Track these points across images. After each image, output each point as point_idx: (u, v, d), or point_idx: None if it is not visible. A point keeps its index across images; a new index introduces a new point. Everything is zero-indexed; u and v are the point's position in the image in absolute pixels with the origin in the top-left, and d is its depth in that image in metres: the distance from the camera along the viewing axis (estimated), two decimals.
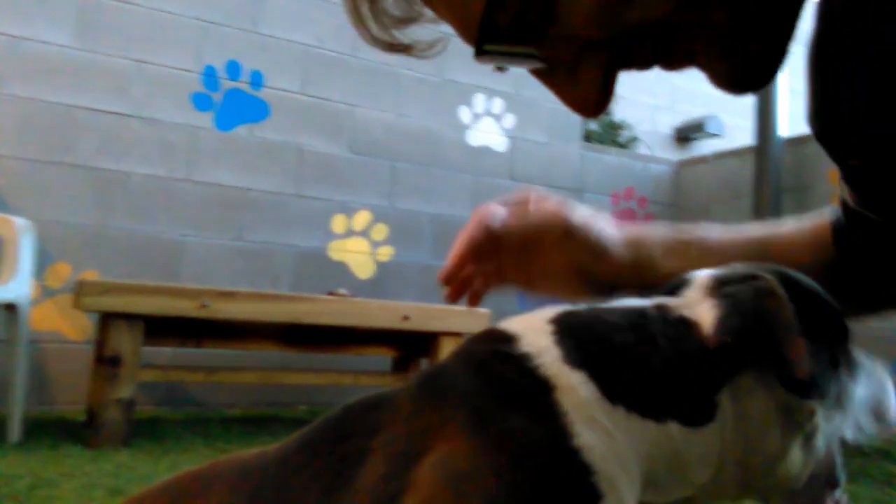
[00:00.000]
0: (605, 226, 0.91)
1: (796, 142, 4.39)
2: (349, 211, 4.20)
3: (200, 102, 3.87)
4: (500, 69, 0.57)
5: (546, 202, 0.91)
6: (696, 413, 0.60)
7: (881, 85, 0.64)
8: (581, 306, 0.66)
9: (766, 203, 4.33)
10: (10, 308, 2.70)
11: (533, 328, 0.63)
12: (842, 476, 0.69)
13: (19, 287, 2.73)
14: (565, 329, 0.62)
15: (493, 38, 0.52)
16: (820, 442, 0.65)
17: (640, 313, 0.63)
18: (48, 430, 2.93)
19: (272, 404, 3.86)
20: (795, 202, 4.33)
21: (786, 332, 0.60)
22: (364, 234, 4.23)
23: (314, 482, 0.59)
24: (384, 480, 0.54)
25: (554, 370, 0.58)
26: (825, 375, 0.64)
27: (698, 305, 0.63)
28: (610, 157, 5.15)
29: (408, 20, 0.56)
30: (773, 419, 0.62)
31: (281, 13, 4.09)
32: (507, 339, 0.62)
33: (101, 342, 2.87)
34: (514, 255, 0.96)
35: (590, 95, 0.54)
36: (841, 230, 0.82)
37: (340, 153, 4.21)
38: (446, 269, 0.94)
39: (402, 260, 4.30)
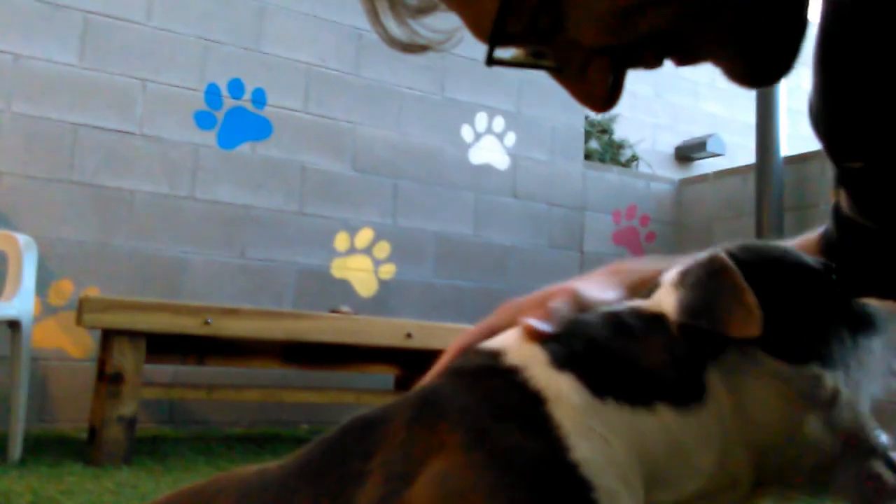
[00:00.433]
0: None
1: (797, 160, 4.40)
2: (352, 229, 4.20)
3: (203, 121, 3.89)
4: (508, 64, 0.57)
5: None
6: (684, 393, 0.60)
7: (892, 82, 0.64)
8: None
9: (769, 221, 4.33)
10: (13, 325, 2.69)
11: (516, 338, 0.64)
12: (882, 442, 0.66)
13: (22, 304, 2.72)
14: (552, 341, 0.63)
15: (504, 42, 0.53)
16: (844, 409, 0.63)
17: (615, 314, 0.65)
18: (49, 448, 2.91)
19: (274, 422, 3.84)
20: (798, 221, 4.34)
21: (732, 297, 0.60)
22: (367, 251, 4.23)
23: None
24: (382, 502, 0.54)
25: (543, 380, 0.59)
26: (821, 339, 0.63)
27: (667, 300, 0.65)
28: (612, 176, 5.16)
29: (424, 10, 0.57)
30: (772, 392, 0.61)
31: (283, 32, 4.11)
32: (495, 353, 0.62)
33: (103, 359, 2.87)
34: None
35: (599, 93, 0.55)
36: (830, 242, 0.82)
37: (343, 171, 4.22)
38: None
39: (405, 278, 4.30)
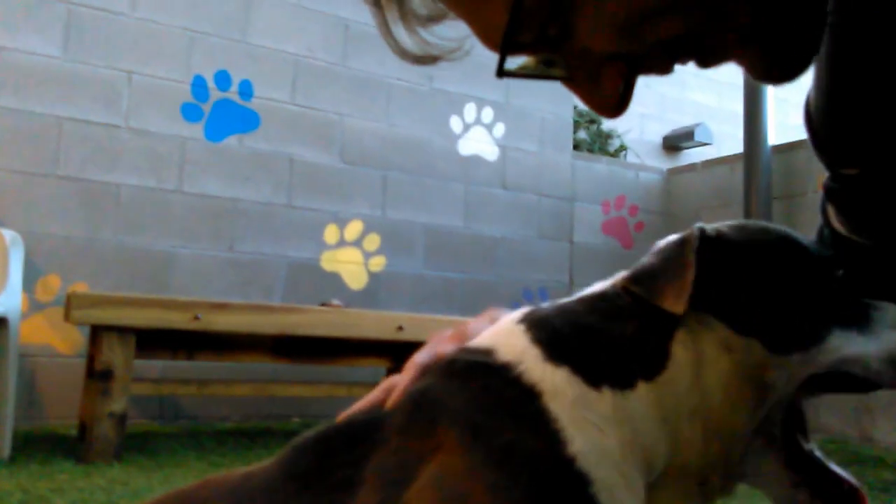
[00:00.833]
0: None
1: (785, 149, 4.41)
2: (341, 221, 4.19)
3: (190, 113, 3.86)
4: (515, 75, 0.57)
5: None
6: (653, 364, 0.61)
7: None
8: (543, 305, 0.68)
9: (757, 210, 4.35)
10: (1, 322, 2.67)
11: (505, 333, 0.63)
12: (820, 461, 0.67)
13: (9, 300, 2.70)
14: (536, 325, 0.63)
15: (514, 52, 0.53)
16: (778, 384, 0.63)
17: (602, 294, 0.66)
18: (39, 446, 2.90)
19: (265, 417, 3.83)
20: (786, 209, 4.35)
21: (674, 270, 0.61)
22: (356, 244, 4.21)
23: None
24: None
25: (538, 374, 0.59)
26: (781, 320, 0.63)
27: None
28: (600, 166, 5.17)
29: (435, 18, 0.56)
30: (722, 361, 0.62)
31: (270, 23, 4.08)
32: (486, 351, 0.62)
33: (92, 356, 2.85)
34: None
35: (610, 99, 0.55)
36: None
37: (332, 163, 4.20)
38: None
39: (395, 270, 4.29)
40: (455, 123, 4.56)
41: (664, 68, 0.55)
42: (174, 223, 3.77)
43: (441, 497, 0.53)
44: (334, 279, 4.13)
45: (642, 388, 0.60)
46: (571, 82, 0.55)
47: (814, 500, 0.64)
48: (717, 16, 0.50)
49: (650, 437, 0.59)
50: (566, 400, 0.57)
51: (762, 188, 4.42)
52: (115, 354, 2.76)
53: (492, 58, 0.52)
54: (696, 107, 6.65)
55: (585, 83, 0.55)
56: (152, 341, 2.96)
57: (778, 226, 0.71)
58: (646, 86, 6.40)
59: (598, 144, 5.94)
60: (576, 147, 5.31)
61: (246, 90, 4.00)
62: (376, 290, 4.22)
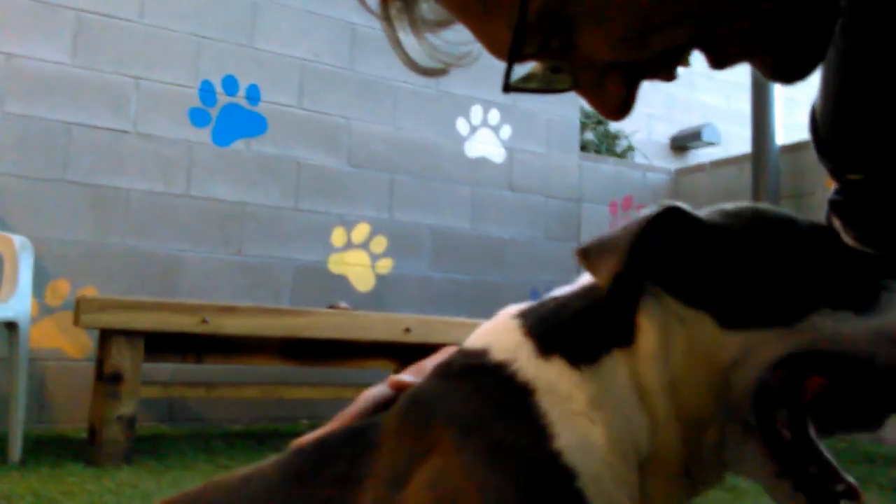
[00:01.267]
0: None
1: (793, 149, 4.40)
2: (348, 224, 4.20)
3: (198, 118, 3.87)
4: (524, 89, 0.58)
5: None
6: (623, 336, 0.61)
7: None
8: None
9: None
10: (11, 326, 2.69)
11: (500, 331, 0.64)
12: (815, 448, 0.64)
13: (19, 305, 2.72)
14: (530, 320, 0.64)
15: (519, 61, 0.54)
16: (737, 363, 0.60)
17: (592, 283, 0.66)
18: (49, 449, 2.91)
19: (274, 419, 3.84)
20: (794, 209, 4.32)
21: (615, 244, 0.61)
22: (363, 246, 4.22)
23: None
24: None
25: (531, 371, 0.60)
26: (739, 296, 0.61)
27: None
28: (607, 167, 5.16)
29: (444, 23, 0.58)
30: (678, 333, 0.61)
31: (276, 28, 4.10)
32: (480, 352, 0.63)
33: (101, 359, 2.86)
34: None
35: (615, 103, 0.56)
36: None
37: (338, 166, 4.21)
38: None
39: (402, 272, 4.29)
40: (462, 126, 4.57)
41: (668, 75, 0.56)
42: (182, 227, 3.78)
43: (435, 497, 0.54)
44: (342, 282, 4.14)
45: (618, 357, 0.60)
46: (577, 88, 0.56)
47: (795, 493, 0.62)
48: (717, 25, 0.51)
49: (631, 417, 0.59)
50: (559, 395, 0.58)
51: (770, 188, 4.40)
52: (124, 358, 2.77)
53: (498, 63, 0.53)
54: (704, 107, 6.63)
55: (591, 88, 0.56)
56: (161, 344, 2.98)
57: (772, 209, 0.69)
58: (653, 87, 6.37)
59: (606, 145, 5.93)
60: (583, 148, 5.30)
61: (253, 94, 4.01)
62: (383, 293, 4.23)
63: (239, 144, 3.97)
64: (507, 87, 0.54)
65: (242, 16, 4.02)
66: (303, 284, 4.03)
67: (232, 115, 3.96)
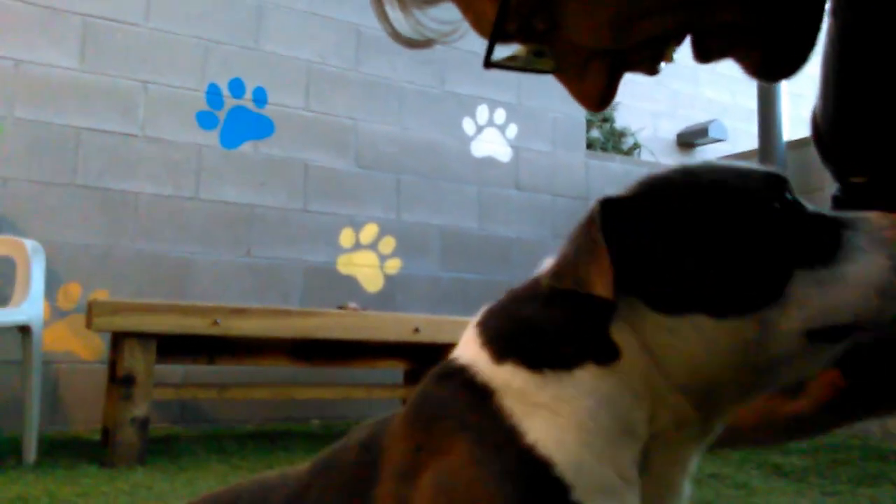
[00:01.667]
0: None
1: (800, 144, 4.39)
2: (356, 225, 4.21)
3: (205, 121, 3.89)
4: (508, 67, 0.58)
5: None
6: (603, 352, 0.60)
7: None
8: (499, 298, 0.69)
9: None
10: (24, 330, 2.71)
11: (466, 339, 0.67)
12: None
13: (32, 308, 2.74)
14: (486, 329, 0.65)
15: (503, 41, 0.54)
16: (751, 347, 0.57)
17: (534, 284, 0.66)
18: (64, 451, 2.93)
19: (285, 419, 3.86)
20: None
21: (590, 255, 0.59)
22: (372, 247, 4.24)
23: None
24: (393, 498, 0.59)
25: (488, 374, 0.61)
26: (712, 285, 0.57)
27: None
28: (614, 165, 5.17)
29: (431, 1, 0.57)
30: (673, 341, 0.58)
31: (282, 30, 4.12)
32: (453, 357, 0.66)
33: (114, 362, 2.88)
34: None
35: (595, 92, 0.56)
36: None
37: (346, 167, 4.22)
38: None
39: (410, 272, 4.31)
40: (468, 125, 4.58)
41: (651, 68, 0.55)
42: (192, 230, 3.80)
43: (434, 494, 0.57)
44: (351, 282, 4.16)
45: (595, 371, 0.59)
46: (559, 73, 0.56)
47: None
48: (702, 15, 0.51)
49: (621, 403, 0.59)
50: (515, 392, 0.59)
51: None
52: (137, 360, 2.79)
53: (483, 38, 0.54)
54: (710, 103, 6.63)
55: (573, 75, 0.56)
56: (173, 347, 3.00)
57: (700, 164, 0.64)
58: (658, 83, 6.38)
59: (612, 143, 5.93)
60: (589, 146, 5.31)
61: (260, 97, 4.03)
62: (392, 293, 4.24)
63: (247, 147, 3.99)
64: (488, 63, 0.54)
65: (248, 18, 4.04)
66: (312, 285, 4.05)
67: (239, 118, 3.97)
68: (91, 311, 2.76)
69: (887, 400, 0.66)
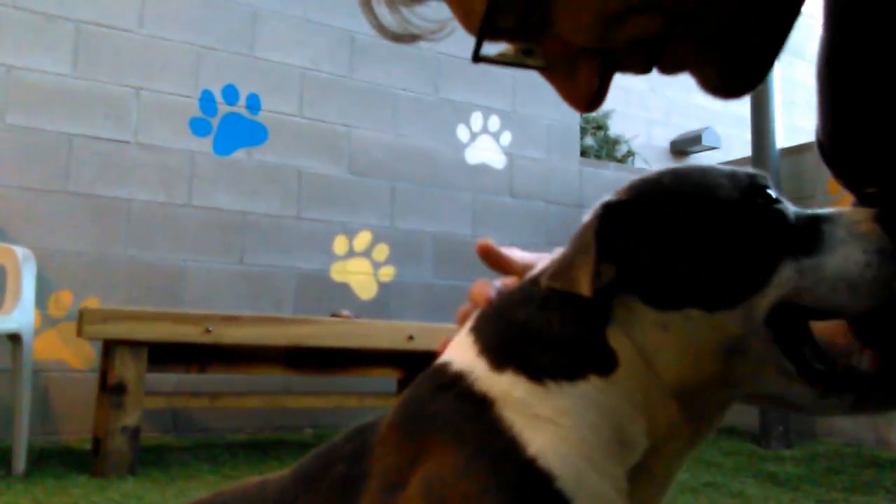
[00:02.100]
0: None
1: (793, 151, 4.40)
2: (350, 232, 4.20)
3: (198, 127, 3.88)
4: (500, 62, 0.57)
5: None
6: (603, 362, 0.59)
7: None
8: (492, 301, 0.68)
9: None
10: (14, 338, 2.69)
11: (460, 345, 0.65)
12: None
13: (22, 316, 2.72)
14: (483, 334, 0.64)
15: (493, 38, 0.53)
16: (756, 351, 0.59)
17: (533, 284, 0.65)
18: (54, 460, 2.91)
19: (278, 428, 3.84)
20: None
21: (582, 256, 0.60)
22: (365, 254, 4.23)
23: None
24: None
25: (486, 383, 0.60)
26: (705, 280, 0.59)
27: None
28: (608, 172, 5.17)
29: None
30: (666, 341, 0.59)
31: (276, 37, 4.11)
32: (444, 363, 0.64)
33: (104, 370, 2.86)
34: None
35: (584, 93, 0.55)
36: None
37: (340, 174, 4.22)
38: None
39: (404, 279, 4.30)
40: (462, 132, 4.58)
41: (642, 67, 0.55)
42: (184, 237, 3.79)
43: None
44: (344, 290, 4.14)
45: (597, 382, 0.59)
46: (549, 73, 0.56)
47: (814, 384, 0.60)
48: (686, 19, 0.51)
49: (621, 416, 0.59)
50: (516, 403, 0.58)
51: None
52: (128, 368, 2.77)
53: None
54: (703, 111, 6.65)
55: (562, 75, 0.55)
56: (164, 355, 2.98)
57: (688, 167, 0.66)
58: (651, 90, 6.40)
59: (606, 150, 5.94)
60: (583, 153, 5.31)
61: (253, 104, 4.02)
62: (386, 300, 4.23)
63: (240, 153, 3.98)
64: (477, 58, 0.54)
65: (242, 25, 4.04)
66: (305, 293, 4.03)
67: (233, 125, 3.96)
68: (82, 318, 2.74)
69: None
